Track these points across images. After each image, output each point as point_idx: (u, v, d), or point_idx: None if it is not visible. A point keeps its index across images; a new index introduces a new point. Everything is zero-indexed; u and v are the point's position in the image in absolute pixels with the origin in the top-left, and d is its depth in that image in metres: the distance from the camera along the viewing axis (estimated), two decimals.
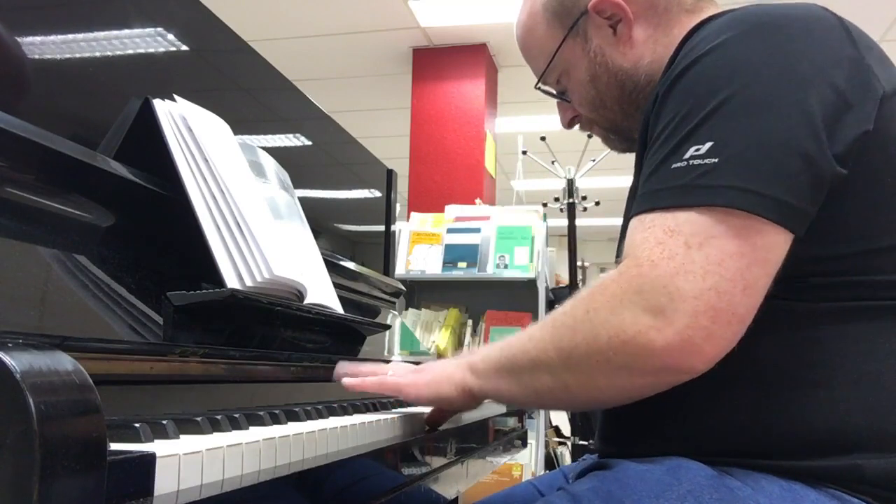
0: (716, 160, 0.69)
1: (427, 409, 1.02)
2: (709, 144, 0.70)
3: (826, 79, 0.71)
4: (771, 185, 0.68)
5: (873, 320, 0.73)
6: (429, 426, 0.98)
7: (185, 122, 0.90)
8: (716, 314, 0.66)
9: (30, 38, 0.82)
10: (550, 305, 3.38)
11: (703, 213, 0.68)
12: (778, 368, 0.73)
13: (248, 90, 1.30)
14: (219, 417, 0.62)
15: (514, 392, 0.80)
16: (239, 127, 1.05)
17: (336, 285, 1.17)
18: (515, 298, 3.37)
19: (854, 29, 0.77)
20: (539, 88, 1.04)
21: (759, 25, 0.75)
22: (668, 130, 0.73)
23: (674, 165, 0.71)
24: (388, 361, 1.15)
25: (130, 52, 0.98)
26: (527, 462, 3.14)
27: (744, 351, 0.74)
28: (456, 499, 1.43)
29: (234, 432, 0.62)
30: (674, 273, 0.67)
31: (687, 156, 0.71)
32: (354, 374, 0.93)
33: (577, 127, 1.05)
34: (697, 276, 0.66)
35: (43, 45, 0.84)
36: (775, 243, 0.69)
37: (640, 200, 0.74)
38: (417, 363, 1.02)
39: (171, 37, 1.05)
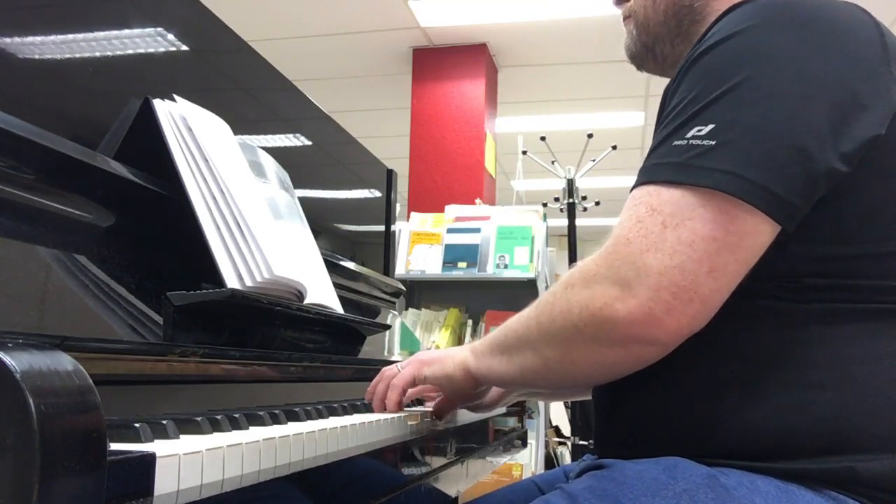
0: (713, 143, 0.70)
1: (427, 410, 1.02)
2: (710, 126, 0.71)
3: (841, 78, 0.72)
4: (759, 173, 0.69)
5: (866, 322, 0.73)
6: (436, 416, 1.02)
7: (185, 122, 0.90)
8: (678, 290, 0.68)
9: (30, 38, 0.82)
10: None
11: (689, 193, 0.70)
12: (771, 370, 0.73)
13: (248, 90, 1.30)
14: (219, 417, 0.62)
15: (504, 370, 0.85)
16: (239, 127, 1.05)
17: (336, 285, 1.17)
18: (515, 298, 3.34)
19: (890, 36, 0.77)
20: None
21: (788, 18, 0.75)
22: (679, 109, 0.75)
23: (675, 143, 0.73)
24: (392, 362, 1.15)
25: (130, 52, 0.98)
26: (527, 462, 3.14)
27: (737, 351, 0.75)
28: (456, 499, 1.43)
29: (234, 432, 0.62)
30: (644, 250, 0.70)
31: (689, 135, 0.72)
32: (381, 402, 0.97)
33: (621, 10, 0.99)
34: (666, 254, 0.69)
35: (43, 45, 0.84)
36: (754, 231, 0.70)
37: (640, 174, 0.75)
38: None
39: (171, 37, 1.05)
